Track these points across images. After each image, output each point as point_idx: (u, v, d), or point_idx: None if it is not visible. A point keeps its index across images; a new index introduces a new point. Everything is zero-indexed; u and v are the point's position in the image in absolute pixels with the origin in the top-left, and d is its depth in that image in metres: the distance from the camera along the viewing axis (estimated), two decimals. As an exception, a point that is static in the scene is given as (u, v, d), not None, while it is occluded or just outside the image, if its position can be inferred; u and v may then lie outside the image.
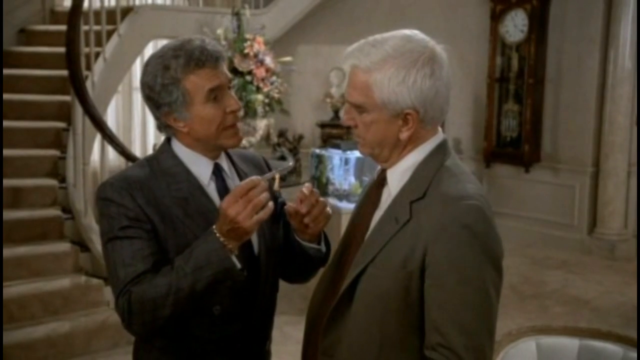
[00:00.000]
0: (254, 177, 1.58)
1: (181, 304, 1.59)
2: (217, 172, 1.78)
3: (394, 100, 1.50)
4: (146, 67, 1.71)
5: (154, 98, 1.70)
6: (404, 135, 1.53)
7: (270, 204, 1.57)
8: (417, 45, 1.51)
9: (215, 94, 1.69)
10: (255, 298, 1.76)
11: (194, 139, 1.73)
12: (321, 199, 1.71)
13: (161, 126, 1.76)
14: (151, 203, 1.66)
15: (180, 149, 1.75)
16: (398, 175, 1.57)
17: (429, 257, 1.46)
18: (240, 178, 1.81)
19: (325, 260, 1.84)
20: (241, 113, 1.77)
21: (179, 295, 1.57)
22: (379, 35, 1.54)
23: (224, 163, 1.81)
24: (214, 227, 1.59)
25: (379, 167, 1.67)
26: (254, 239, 1.76)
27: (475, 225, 1.45)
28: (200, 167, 1.75)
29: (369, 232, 1.59)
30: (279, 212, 1.85)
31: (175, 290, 1.57)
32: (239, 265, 1.59)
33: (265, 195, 1.56)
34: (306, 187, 1.68)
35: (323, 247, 1.82)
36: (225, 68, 1.73)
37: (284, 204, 1.84)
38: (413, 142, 1.56)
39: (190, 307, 1.62)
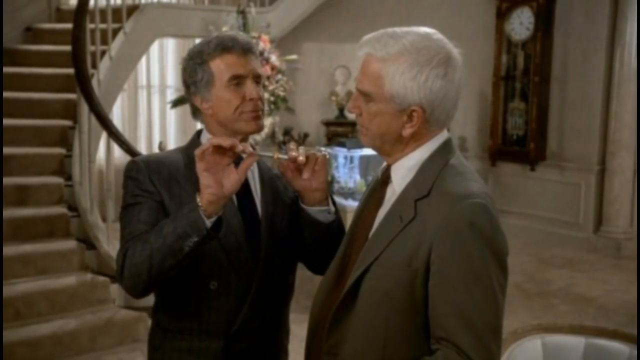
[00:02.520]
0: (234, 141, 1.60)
1: (156, 258, 1.63)
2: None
3: (403, 95, 1.49)
4: (187, 53, 1.85)
5: (186, 80, 1.83)
6: (407, 132, 1.53)
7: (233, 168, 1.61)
8: (435, 45, 1.51)
9: (237, 81, 1.78)
10: (252, 276, 1.79)
11: (217, 123, 1.82)
12: (311, 150, 1.73)
13: (193, 111, 1.87)
14: (164, 181, 1.79)
15: (206, 139, 1.84)
16: (402, 173, 1.57)
17: (434, 255, 1.45)
18: (261, 172, 1.89)
19: (340, 224, 1.84)
20: (262, 104, 1.82)
21: (153, 246, 1.64)
22: (398, 28, 1.54)
23: None
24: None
25: (383, 165, 1.66)
26: (260, 213, 1.82)
27: (480, 224, 1.45)
28: None
29: (373, 230, 1.59)
30: (293, 205, 1.87)
31: (152, 242, 1.64)
32: (207, 223, 1.60)
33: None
34: (291, 148, 1.71)
35: (332, 207, 1.81)
36: (254, 61, 1.81)
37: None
38: (416, 140, 1.55)
39: (169, 264, 1.63)
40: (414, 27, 1.55)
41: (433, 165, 1.54)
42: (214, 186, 1.58)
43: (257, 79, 1.81)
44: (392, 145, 1.56)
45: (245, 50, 1.79)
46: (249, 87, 1.78)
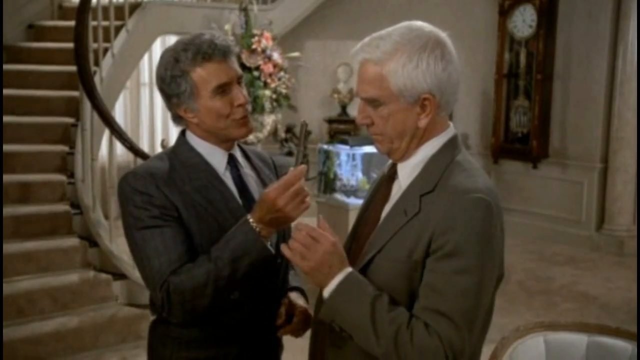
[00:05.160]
0: (301, 167, 1.62)
1: (221, 292, 1.65)
2: (232, 162, 1.84)
3: (410, 86, 1.50)
4: (160, 60, 1.77)
5: (164, 89, 1.76)
6: (423, 122, 1.53)
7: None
8: (422, 32, 1.53)
9: (223, 89, 1.73)
10: (273, 284, 1.83)
11: (204, 130, 1.79)
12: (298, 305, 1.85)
13: (174, 117, 1.83)
14: (174, 191, 1.71)
15: (195, 141, 1.82)
16: (409, 169, 1.58)
17: (433, 247, 1.47)
18: (255, 170, 1.88)
19: None
20: (249, 107, 1.81)
21: (218, 283, 1.63)
22: (383, 30, 1.55)
23: (238, 155, 1.87)
24: (248, 216, 1.64)
25: (389, 162, 1.67)
26: None
27: (482, 218, 1.46)
28: (216, 157, 1.81)
29: (378, 225, 1.59)
30: None
31: (214, 279, 1.62)
32: (273, 252, 1.65)
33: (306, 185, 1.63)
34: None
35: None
36: (234, 63, 1.77)
37: None
38: (429, 131, 1.56)
39: (230, 294, 1.68)
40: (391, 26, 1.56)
41: (439, 161, 1.55)
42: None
43: (239, 80, 1.78)
44: (410, 141, 1.56)
45: (225, 54, 1.73)
46: (236, 93, 1.75)
